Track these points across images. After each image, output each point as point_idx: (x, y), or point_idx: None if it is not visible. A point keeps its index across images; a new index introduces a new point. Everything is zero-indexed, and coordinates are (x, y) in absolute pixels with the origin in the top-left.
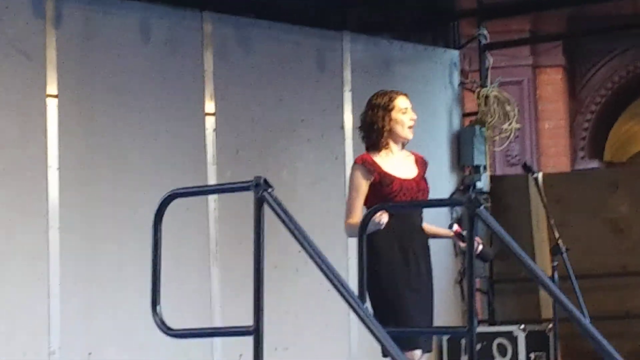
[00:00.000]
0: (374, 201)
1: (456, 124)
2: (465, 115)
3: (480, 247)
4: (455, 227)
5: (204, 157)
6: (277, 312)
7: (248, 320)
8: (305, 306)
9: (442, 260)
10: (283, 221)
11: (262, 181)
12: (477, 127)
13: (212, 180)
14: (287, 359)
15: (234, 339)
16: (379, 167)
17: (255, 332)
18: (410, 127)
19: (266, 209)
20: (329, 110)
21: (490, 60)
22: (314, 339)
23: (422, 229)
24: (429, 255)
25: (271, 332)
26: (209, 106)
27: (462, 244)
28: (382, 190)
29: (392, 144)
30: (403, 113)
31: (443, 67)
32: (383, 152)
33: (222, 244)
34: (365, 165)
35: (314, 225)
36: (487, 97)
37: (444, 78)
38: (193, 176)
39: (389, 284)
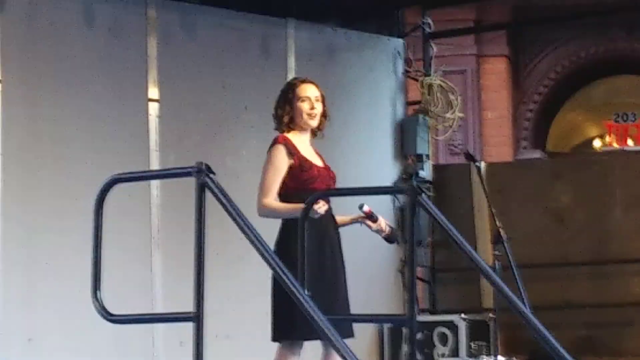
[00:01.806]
0: (291, 185)
1: (400, 112)
2: (408, 104)
3: (388, 228)
4: (366, 207)
5: (147, 143)
6: (219, 300)
7: (189, 307)
8: (247, 293)
9: (383, 249)
10: (225, 207)
11: (204, 167)
12: (420, 116)
13: (155, 166)
14: (228, 346)
15: (175, 326)
16: (298, 151)
17: (196, 318)
18: (309, 115)
19: (208, 195)
20: (273, 97)
21: (434, 49)
22: (256, 327)
23: (333, 217)
24: (341, 245)
25: (213, 320)
26: (153, 92)
27: (373, 225)
28: (301, 175)
29: (299, 131)
30: (302, 101)
31: (387, 55)
32: (296, 137)
33: (165, 230)
34: (287, 146)
35: (255, 212)
36: (430, 86)
37: (388, 66)
38: (136, 163)
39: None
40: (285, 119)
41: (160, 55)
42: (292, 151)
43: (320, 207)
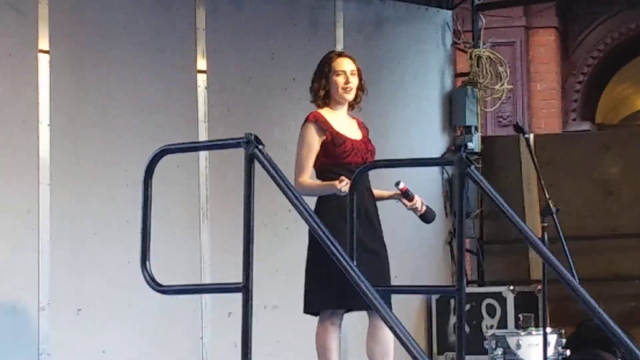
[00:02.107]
0: (324, 161)
1: (448, 84)
2: (457, 75)
3: (424, 207)
4: (402, 184)
5: (195, 115)
6: (266, 270)
7: (237, 279)
8: (295, 264)
9: None
10: (273, 178)
11: (252, 138)
12: (469, 88)
13: (203, 138)
14: (276, 317)
15: (223, 297)
16: (331, 126)
17: (245, 289)
18: (344, 90)
19: (257, 167)
20: None
21: (483, 20)
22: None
23: (371, 191)
24: (378, 219)
25: (260, 290)
26: (201, 63)
27: (409, 203)
28: (334, 150)
29: (335, 105)
30: (338, 75)
31: (435, 27)
32: (330, 112)
33: (213, 202)
34: (318, 122)
35: None
36: (479, 57)
37: (436, 38)
38: (184, 134)
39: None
40: (321, 92)
41: (209, 27)
42: (323, 127)
43: (344, 186)
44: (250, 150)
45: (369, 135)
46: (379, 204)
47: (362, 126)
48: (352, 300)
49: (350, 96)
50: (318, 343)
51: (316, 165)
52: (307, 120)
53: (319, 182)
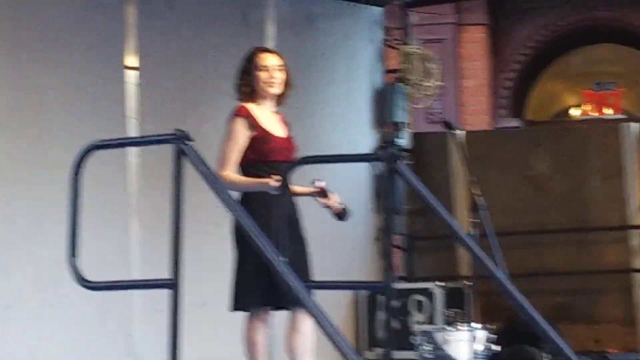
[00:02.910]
0: (250, 157)
1: (378, 81)
2: (387, 72)
3: (339, 206)
4: (318, 183)
5: (126, 111)
6: (196, 267)
7: (167, 275)
8: (223, 261)
9: (360, 217)
10: (202, 174)
11: (182, 134)
12: (399, 85)
13: (133, 134)
14: (205, 314)
15: (152, 293)
16: (259, 123)
17: (173, 285)
18: (269, 85)
19: (186, 163)
20: None
21: (413, 17)
22: None
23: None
24: (298, 213)
25: (190, 287)
26: (132, 60)
27: (324, 201)
28: (260, 147)
29: (261, 101)
30: (261, 70)
31: (366, 23)
32: (257, 108)
33: (142, 198)
34: (247, 119)
35: None
36: (409, 54)
37: (366, 35)
38: (115, 131)
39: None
40: (245, 89)
41: (140, 24)
42: (252, 123)
43: (275, 184)
44: (180, 146)
45: (290, 131)
46: (308, 199)
47: (285, 122)
48: (281, 298)
49: (275, 90)
50: (247, 340)
51: (242, 161)
52: (236, 114)
53: (247, 178)
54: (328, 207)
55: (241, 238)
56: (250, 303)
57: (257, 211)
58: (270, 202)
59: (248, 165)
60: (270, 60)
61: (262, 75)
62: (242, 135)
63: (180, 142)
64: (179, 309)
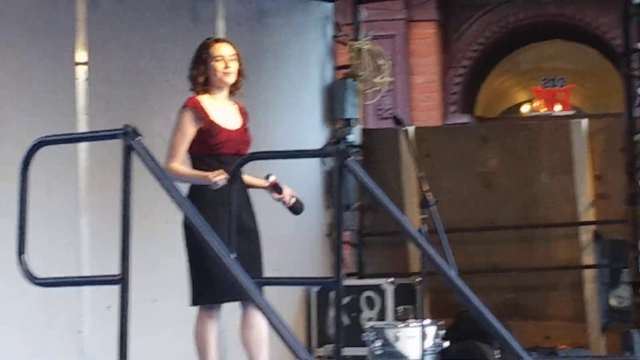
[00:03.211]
0: (198, 150)
1: (329, 76)
2: (338, 68)
3: (292, 200)
4: (272, 178)
5: (75, 107)
6: (146, 264)
7: (117, 272)
8: (174, 257)
9: (312, 213)
10: (150, 169)
11: (130, 129)
12: (349, 80)
13: (83, 130)
14: (156, 311)
15: (102, 290)
16: (207, 115)
17: (122, 281)
18: (225, 74)
19: (135, 158)
20: None
21: (363, 13)
22: (184, 292)
23: (242, 181)
24: (251, 207)
25: (140, 284)
26: (81, 55)
27: (278, 196)
28: (208, 139)
29: (215, 91)
30: (217, 60)
31: (316, 19)
32: (210, 99)
33: (92, 194)
34: (195, 110)
35: None
36: (359, 50)
37: (317, 31)
38: (64, 126)
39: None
40: (200, 79)
41: (89, 19)
42: (200, 115)
43: (220, 179)
44: (128, 141)
45: (247, 121)
46: (260, 193)
47: (243, 112)
48: (230, 293)
49: (230, 80)
50: (196, 336)
51: (191, 153)
52: (184, 106)
53: (191, 170)
54: (281, 201)
55: (192, 234)
56: (208, 298)
57: (205, 206)
58: (219, 197)
59: (197, 159)
60: (224, 50)
61: (218, 65)
62: (189, 127)
63: (128, 137)
64: (127, 305)
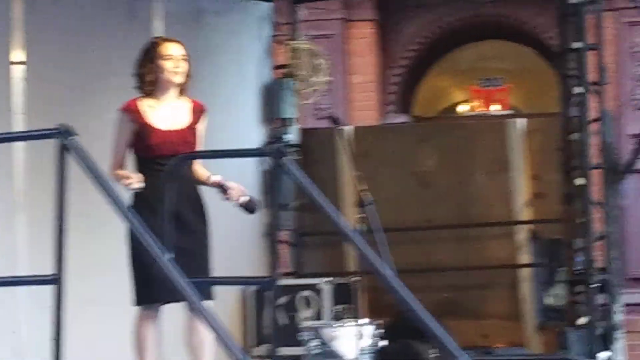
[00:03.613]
0: (136, 153)
1: (266, 76)
2: (275, 67)
3: (244, 198)
4: (214, 178)
5: (12, 107)
6: (84, 264)
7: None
8: (112, 258)
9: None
10: (86, 168)
11: (65, 129)
12: (287, 80)
13: (20, 129)
14: (95, 312)
15: (39, 290)
16: (141, 117)
17: (56, 281)
18: (174, 73)
19: (71, 158)
20: None
21: (303, 13)
22: (122, 292)
23: (190, 180)
24: (199, 205)
25: (78, 285)
26: (18, 55)
27: (224, 196)
28: (143, 141)
29: (161, 91)
30: (165, 59)
31: (254, 19)
32: (152, 101)
33: (30, 195)
34: (127, 113)
35: None
36: (297, 49)
37: (254, 30)
38: (1, 126)
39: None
40: (149, 77)
41: (26, 18)
42: (132, 117)
43: (132, 184)
44: (64, 140)
45: (200, 120)
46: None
47: (198, 110)
48: (169, 293)
49: (178, 79)
50: (135, 336)
51: (135, 155)
52: (119, 109)
53: (117, 171)
54: (229, 200)
55: (132, 233)
56: (147, 298)
57: (145, 206)
58: (160, 196)
59: (138, 161)
60: (175, 50)
61: (167, 64)
62: (122, 130)
63: (63, 136)
64: (62, 305)
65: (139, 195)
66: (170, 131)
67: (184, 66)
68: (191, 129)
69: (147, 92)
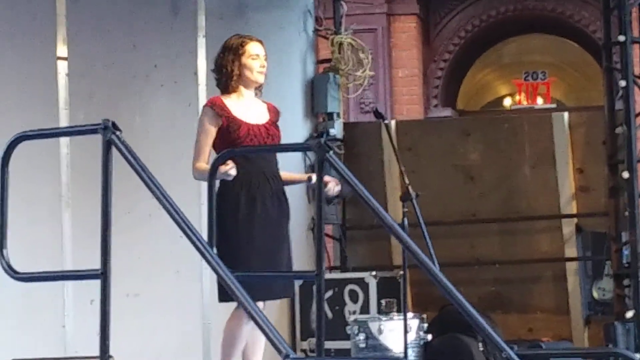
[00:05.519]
0: (221, 146)
1: (310, 71)
2: (319, 62)
3: (338, 187)
4: (313, 176)
5: (56, 102)
6: (129, 258)
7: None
8: (157, 252)
9: (294, 207)
10: (131, 164)
11: (110, 124)
12: (330, 75)
13: (64, 124)
14: (138, 305)
15: (85, 284)
16: (228, 111)
17: (103, 275)
18: (260, 73)
19: (116, 153)
20: (182, 55)
21: (344, 7)
22: (166, 286)
23: (275, 176)
24: (283, 202)
25: (123, 278)
26: (62, 50)
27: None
28: (229, 135)
29: (243, 89)
30: (253, 59)
31: (297, 13)
32: (234, 96)
33: (75, 189)
34: (214, 108)
35: (166, 171)
36: (340, 44)
37: (298, 25)
38: (45, 122)
39: (232, 232)
40: (235, 75)
41: (69, 13)
42: (219, 112)
43: (231, 169)
44: (108, 136)
45: (277, 118)
46: None
47: (273, 110)
48: (265, 291)
49: (262, 79)
50: (228, 331)
51: (216, 150)
52: (204, 105)
53: (207, 166)
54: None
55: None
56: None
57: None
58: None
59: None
60: (260, 49)
61: (254, 63)
62: (209, 125)
63: (108, 132)
64: (108, 299)
65: (224, 190)
66: (255, 125)
67: (266, 66)
68: (274, 125)
69: (230, 89)
